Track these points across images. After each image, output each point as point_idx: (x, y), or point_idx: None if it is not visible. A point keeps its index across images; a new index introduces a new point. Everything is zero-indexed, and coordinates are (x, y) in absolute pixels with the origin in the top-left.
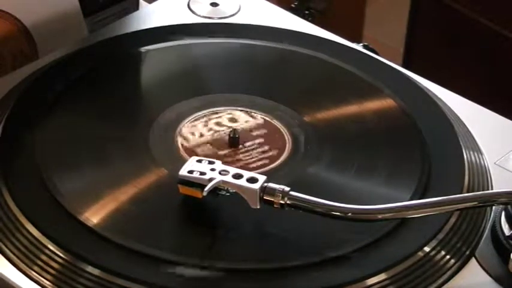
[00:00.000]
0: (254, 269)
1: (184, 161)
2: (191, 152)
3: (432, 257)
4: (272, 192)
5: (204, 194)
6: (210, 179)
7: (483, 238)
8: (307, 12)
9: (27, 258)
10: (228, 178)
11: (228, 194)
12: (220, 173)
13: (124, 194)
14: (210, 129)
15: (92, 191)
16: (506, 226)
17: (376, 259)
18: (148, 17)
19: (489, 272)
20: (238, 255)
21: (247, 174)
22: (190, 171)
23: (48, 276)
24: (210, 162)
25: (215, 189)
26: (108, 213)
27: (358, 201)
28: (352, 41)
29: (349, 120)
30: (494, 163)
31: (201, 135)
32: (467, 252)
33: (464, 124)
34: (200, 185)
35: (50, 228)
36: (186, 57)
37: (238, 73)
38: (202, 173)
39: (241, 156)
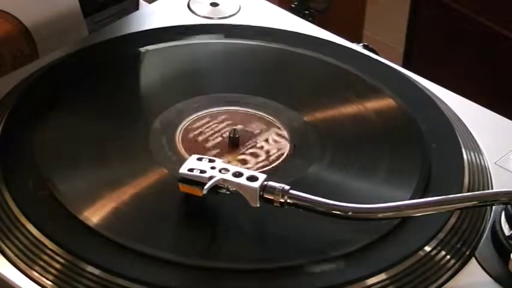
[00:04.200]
0: (254, 269)
1: (184, 161)
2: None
3: (432, 257)
4: (272, 190)
5: (204, 192)
6: (210, 177)
7: (483, 238)
8: (307, 12)
9: (27, 258)
10: (228, 176)
11: (228, 192)
12: (220, 171)
13: (124, 194)
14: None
15: (92, 190)
16: (506, 226)
17: (376, 259)
18: (148, 17)
19: (489, 272)
20: (238, 255)
21: (247, 172)
22: (191, 169)
23: (49, 276)
24: (210, 161)
25: (215, 188)
26: (108, 213)
27: (358, 201)
28: (352, 41)
29: (349, 120)
30: (494, 163)
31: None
32: (467, 252)
33: (464, 124)
34: (200, 183)
35: (50, 228)
36: (186, 57)
37: (238, 73)
38: (202, 171)
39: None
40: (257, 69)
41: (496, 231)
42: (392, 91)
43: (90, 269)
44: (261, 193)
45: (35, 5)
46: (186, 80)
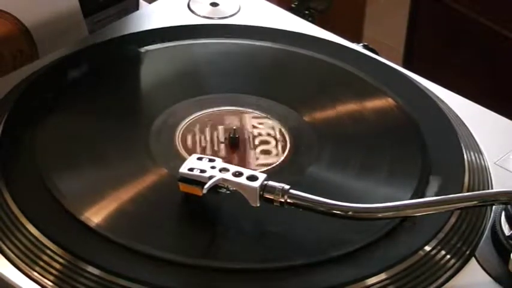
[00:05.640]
0: (254, 269)
1: (184, 161)
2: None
3: (432, 257)
4: (272, 190)
5: (204, 191)
6: (210, 177)
7: (483, 238)
8: (307, 12)
9: (27, 258)
10: (228, 176)
11: (228, 191)
12: (220, 170)
13: (124, 194)
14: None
15: (92, 191)
16: (506, 226)
17: (376, 259)
18: (148, 17)
19: (489, 272)
20: (238, 255)
21: (247, 172)
22: (191, 169)
23: (49, 276)
24: (211, 160)
25: (215, 187)
26: (108, 213)
27: (358, 201)
28: (352, 41)
29: (349, 120)
30: (494, 163)
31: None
32: (467, 252)
33: (464, 124)
34: (200, 183)
35: (50, 228)
36: (186, 57)
37: (238, 73)
38: (202, 171)
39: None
40: (257, 69)
41: (496, 231)
42: (392, 91)
43: (90, 269)
44: (261, 193)
45: (35, 5)
46: (186, 80)
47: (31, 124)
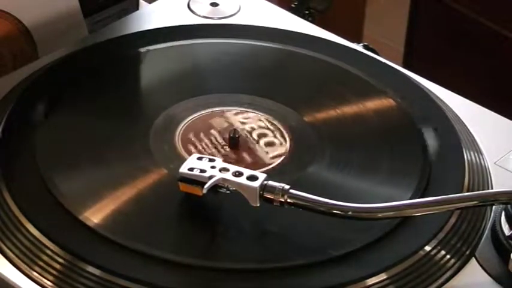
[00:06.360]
0: (254, 269)
1: (184, 161)
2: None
3: (432, 257)
4: (272, 190)
5: (204, 191)
6: (210, 177)
7: (483, 238)
8: (307, 12)
9: (27, 258)
10: (228, 176)
11: (228, 191)
12: (220, 170)
13: (124, 194)
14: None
15: (92, 191)
16: (506, 226)
17: (376, 259)
18: (148, 17)
19: (489, 272)
20: (238, 255)
21: (247, 172)
22: (191, 169)
23: (49, 276)
24: (211, 160)
25: (215, 187)
26: (108, 213)
27: (358, 201)
28: (352, 41)
29: (349, 120)
30: (494, 163)
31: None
32: (467, 252)
33: (464, 124)
34: (200, 183)
35: (50, 228)
36: (186, 58)
37: (238, 73)
38: (202, 171)
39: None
40: (257, 69)
41: (496, 231)
42: (393, 91)
43: (90, 269)
44: (261, 192)
45: (35, 5)
46: (186, 80)
47: (31, 124)
